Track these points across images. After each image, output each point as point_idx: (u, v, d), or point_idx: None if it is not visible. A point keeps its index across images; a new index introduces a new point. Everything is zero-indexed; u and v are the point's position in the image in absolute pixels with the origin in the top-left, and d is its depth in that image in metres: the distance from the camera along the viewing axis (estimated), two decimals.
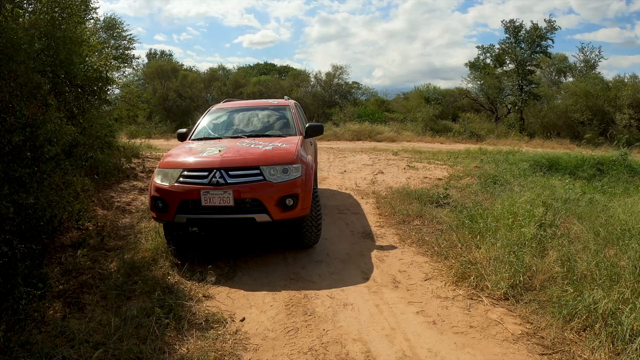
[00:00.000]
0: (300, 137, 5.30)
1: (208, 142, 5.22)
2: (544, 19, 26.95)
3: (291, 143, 4.88)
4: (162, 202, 4.37)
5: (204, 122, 5.90)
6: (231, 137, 5.35)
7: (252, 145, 4.81)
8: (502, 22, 30.77)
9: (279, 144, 4.81)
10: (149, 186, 4.76)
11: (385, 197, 7.24)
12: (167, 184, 4.37)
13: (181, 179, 4.34)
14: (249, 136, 5.31)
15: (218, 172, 4.24)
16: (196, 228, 4.55)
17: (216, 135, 5.54)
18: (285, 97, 6.89)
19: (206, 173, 4.28)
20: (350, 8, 68.35)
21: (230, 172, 4.25)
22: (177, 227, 4.52)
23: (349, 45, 65.06)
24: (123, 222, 5.92)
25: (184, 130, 5.78)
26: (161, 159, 4.78)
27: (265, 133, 5.47)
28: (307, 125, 5.65)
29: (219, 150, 4.59)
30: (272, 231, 5.04)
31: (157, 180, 4.48)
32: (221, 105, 6.46)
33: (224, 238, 5.27)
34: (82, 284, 3.85)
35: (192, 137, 5.58)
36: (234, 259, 4.62)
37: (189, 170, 4.36)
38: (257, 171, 4.29)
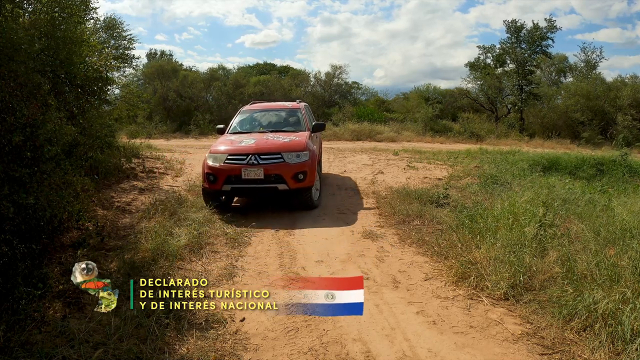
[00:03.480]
0: (308, 132, 7.16)
1: (242, 135, 7.07)
2: (544, 18, 26.93)
3: (302, 137, 6.79)
4: (213, 176, 6.26)
5: (237, 120, 7.73)
6: (258, 132, 7.21)
7: (274, 138, 6.70)
8: (504, 21, 30.73)
9: (293, 137, 6.74)
10: (202, 165, 6.63)
11: (385, 197, 7.24)
12: (218, 164, 6.26)
13: (227, 160, 6.26)
14: (271, 131, 7.19)
15: (253, 156, 6.20)
16: (236, 196, 6.76)
17: (247, 131, 7.38)
18: (297, 100, 8.84)
19: (244, 157, 6.23)
20: (352, 8, 68.05)
21: (261, 156, 6.21)
22: (223, 193, 6.36)
23: (350, 45, 64.73)
24: (123, 222, 5.91)
25: (221, 126, 7.68)
26: (211, 147, 6.68)
27: (283, 129, 7.34)
28: (313, 124, 7.60)
29: (253, 142, 6.53)
30: (288, 197, 6.48)
31: (210, 161, 6.35)
32: (248, 107, 8.27)
33: (224, 237, 5.27)
34: None
35: (229, 132, 7.41)
36: (234, 259, 4.63)
37: (232, 154, 6.30)
38: (279, 155, 6.25)
